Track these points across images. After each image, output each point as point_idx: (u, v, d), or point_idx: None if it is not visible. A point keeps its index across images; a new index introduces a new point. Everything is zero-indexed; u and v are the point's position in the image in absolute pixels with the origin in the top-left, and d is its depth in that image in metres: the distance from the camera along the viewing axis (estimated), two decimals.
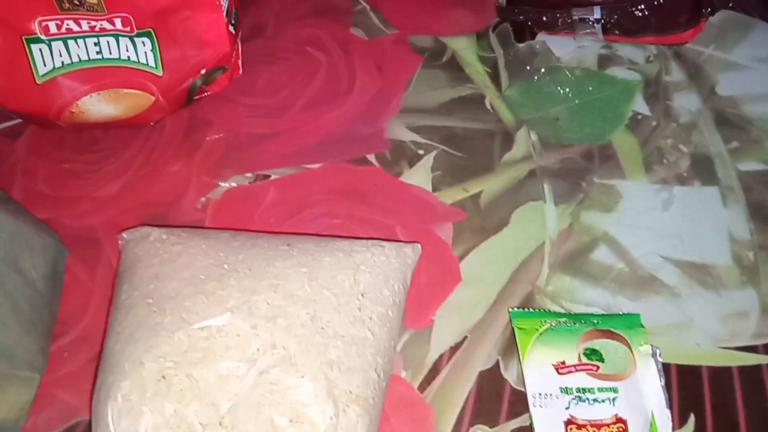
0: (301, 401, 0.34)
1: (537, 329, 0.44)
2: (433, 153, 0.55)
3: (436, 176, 0.54)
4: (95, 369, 0.43)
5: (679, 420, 0.44)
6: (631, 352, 0.43)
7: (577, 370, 0.42)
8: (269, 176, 0.53)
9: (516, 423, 0.43)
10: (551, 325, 0.44)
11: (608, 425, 0.41)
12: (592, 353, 0.43)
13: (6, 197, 0.44)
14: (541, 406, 0.42)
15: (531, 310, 0.46)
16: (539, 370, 0.43)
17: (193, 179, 0.53)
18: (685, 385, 0.45)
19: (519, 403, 0.44)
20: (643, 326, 0.45)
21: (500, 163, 0.55)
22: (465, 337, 0.46)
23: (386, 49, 0.62)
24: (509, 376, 0.45)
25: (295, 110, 0.57)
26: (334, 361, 0.36)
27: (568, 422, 0.41)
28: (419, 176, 0.54)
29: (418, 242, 0.47)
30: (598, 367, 0.42)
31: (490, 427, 0.43)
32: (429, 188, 0.53)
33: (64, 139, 0.54)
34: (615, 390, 0.42)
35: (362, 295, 0.40)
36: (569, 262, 0.50)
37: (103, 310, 0.46)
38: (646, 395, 0.42)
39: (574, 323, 0.44)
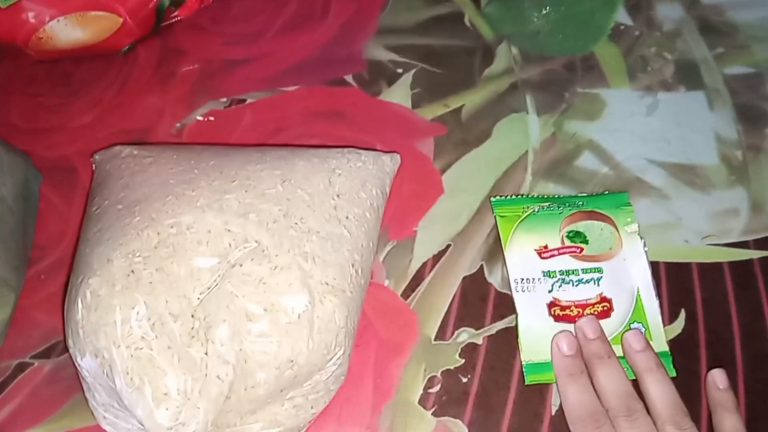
0: (275, 290, 0.33)
1: (519, 216, 0.43)
2: (412, 71, 0.54)
3: (416, 94, 0.53)
4: None
5: (669, 316, 0.43)
6: (618, 231, 0.42)
7: (560, 254, 0.41)
8: (245, 100, 0.52)
9: (502, 324, 0.43)
10: (533, 210, 0.43)
11: (593, 305, 0.40)
12: (576, 235, 0.42)
13: None
14: (523, 291, 0.41)
15: (513, 197, 0.45)
16: (521, 255, 0.42)
17: (168, 107, 0.52)
18: (674, 282, 0.44)
19: (504, 305, 0.43)
20: (629, 204, 0.44)
21: (481, 78, 0.53)
22: (448, 246, 0.46)
23: None
24: (494, 279, 0.44)
25: (270, 35, 0.56)
26: (309, 254, 0.35)
27: (551, 304, 0.40)
28: (398, 94, 0.53)
29: (397, 153, 0.46)
30: (581, 249, 0.41)
31: (476, 329, 0.43)
32: (409, 106, 0.52)
33: (36, 74, 0.53)
34: (599, 270, 0.41)
35: (337, 195, 0.39)
36: (553, 169, 0.49)
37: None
38: (632, 274, 0.41)
39: (558, 207, 0.43)
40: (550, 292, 0.41)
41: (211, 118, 0.50)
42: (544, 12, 0.57)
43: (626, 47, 0.55)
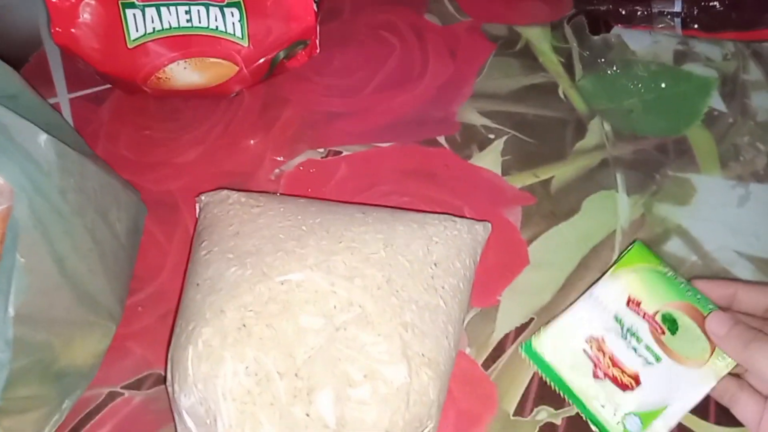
0: (376, 358, 0.34)
1: (653, 263, 0.43)
2: (504, 138, 0.55)
3: (506, 161, 0.54)
4: (171, 323, 0.44)
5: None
6: (710, 355, 0.40)
7: (644, 318, 0.41)
8: (341, 152, 0.54)
9: None
10: (668, 272, 0.42)
11: (623, 371, 0.40)
12: (671, 321, 0.40)
13: (94, 155, 0.46)
14: (586, 306, 0.42)
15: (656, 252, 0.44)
16: (614, 289, 0.42)
17: (268, 153, 0.54)
18: None
19: None
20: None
21: (572, 151, 0.54)
22: (531, 319, 0.46)
23: (460, 35, 0.62)
24: None
25: (368, 91, 0.58)
26: (409, 324, 0.36)
27: (594, 339, 0.41)
28: (489, 160, 0.54)
29: (489, 221, 0.47)
30: (663, 333, 0.40)
31: (555, 409, 0.43)
32: (499, 172, 0.53)
33: (146, 108, 0.56)
34: (658, 359, 0.40)
35: (435, 264, 0.40)
36: None
37: (179, 270, 0.47)
38: (678, 391, 0.39)
39: (686, 290, 0.41)
40: (604, 328, 0.41)
41: (312, 170, 0.52)
42: (639, 91, 0.58)
43: (719, 134, 0.56)
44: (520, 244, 0.49)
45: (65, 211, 0.35)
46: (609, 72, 0.59)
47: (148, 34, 0.48)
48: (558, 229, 0.50)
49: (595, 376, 0.40)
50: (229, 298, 0.36)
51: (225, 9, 0.48)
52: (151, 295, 0.47)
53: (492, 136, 0.55)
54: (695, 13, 0.58)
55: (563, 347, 0.42)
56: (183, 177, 0.52)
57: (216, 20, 0.48)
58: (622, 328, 0.41)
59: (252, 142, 0.54)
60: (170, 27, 0.48)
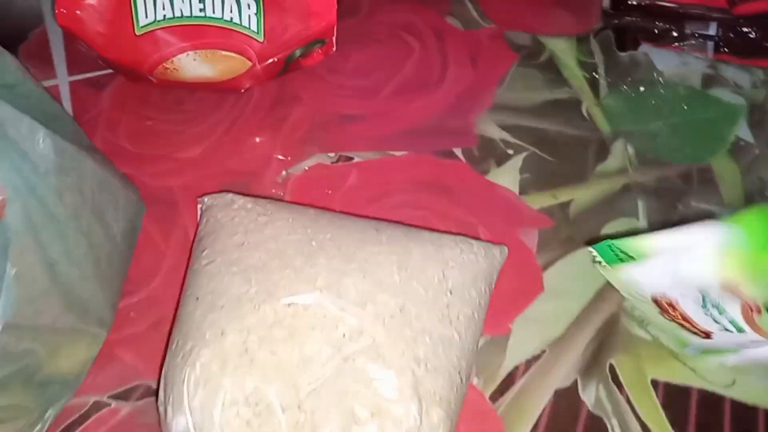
0: (385, 395, 0.32)
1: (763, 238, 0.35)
2: (523, 154, 0.53)
3: (525, 179, 0.51)
4: (164, 333, 0.42)
5: None
6: None
7: (733, 294, 0.35)
8: (352, 158, 0.51)
9: None
10: None
11: (694, 325, 0.36)
12: None
13: (93, 146, 0.43)
14: (665, 270, 0.36)
15: None
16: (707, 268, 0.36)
17: (276, 152, 0.51)
18: None
19: (595, 428, 0.41)
20: None
21: (594, 173, 0.52)
22: (543, 351, 0.44)
23: (482, 42, 0.60)
24: (587, 397, 0.42)
25: (384, 94, 0.55)
26: (422, 359, 0.34)
27: (665, 296, 0.36)
28: (507, 177, 0.51)
29: (505, 245, 0.44)
30: (759, 312, 0.34)
31: None
32: (516, 190, 0.51)
33: (149, 96, 0.53)
34: (740, 330, 0.36)
35: (450, 292, 0.38)
36: None
37: (174, 275, 0.44)
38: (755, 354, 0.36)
39: None
40: (681, 294, 0.36)
41: (321, 175, 0.50)
42: (664, 114, 0.56)
43: (745, 165, 0.54)
44: (534, 270, 0.47)
45: (60, 215, 0.33)
46: (635, 92, 0.57)
47: (158, 21, 0.45)
48: (575, 256, 0.48)
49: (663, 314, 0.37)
50: (231, 318, 0.33)
51: (241, 0, 0.45)
52: (144, 299, 0.44)
53: (511, 152, 0.53)
54: (729, 37, 0.56)
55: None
56: (184, 173, 0.50)
57: (231, 11, 0.46)
58: (704, 300, 0.36)
59: (259, 140, 0.52)
60: (182, 15, 0.45)
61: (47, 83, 0.54)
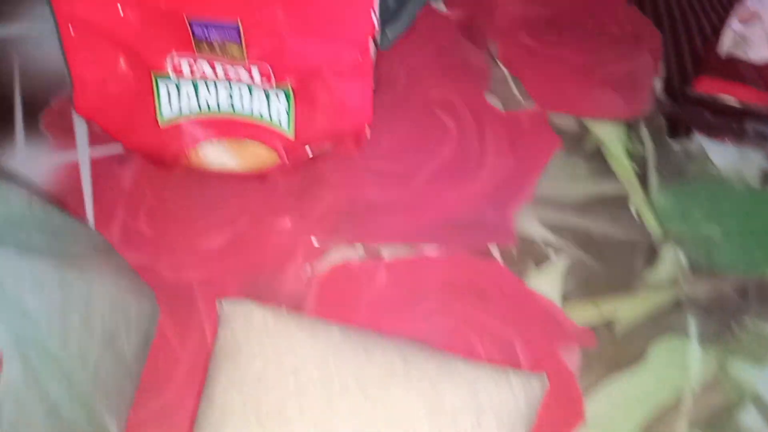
0: None
1: None
2: (565, 257, 0.49)
3: (565, 284, 0.48)
4: None
5: None
6: None
7: None
8: (380, 253, 0.48)
9: None
10: None
11: None
12: None
13: (109, 248, 0.40)
14: None
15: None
16: None
17: (301, 244, 0.48)
18: None
19: None
20: None
21: (641, 282, 0.48)
22: None
23: (523, 125, 0.56)
24: None
25: (418, 181, 0.52)
26: None
27: None
28: (547, 282, 0.48)
29: (544, 372, 0.41)
30: None
31: None
32: (557, 299, 0.47)
33: (171, 177, 0.50)
34: None
35: None
36: (712, 422, 0.43)
37: (190, 383, 0.42)
38: None
39: None
40: None
41: (348, 276, 0.47)
42: (719, 215, 0.52)
43: None
44: (575, 396, 0.43)
45: (65, 358, 0.30)
46: (687, 188, 0.53)
47: (183, 114, 0.42)
48: (619, 382, 0.44)
49: None
50: None
51: (271, 93, 0.42)
52: (157, 412, 0.41)
53: (551, 252, 0.49)
54: None
55: None
56: (204, 266, 0.47)
57: (260, 105, 0.43)
58: None
59: (283, 229, 0.49)
60: (208, 108, 0.42)
61: (67, 155, 0.51)
